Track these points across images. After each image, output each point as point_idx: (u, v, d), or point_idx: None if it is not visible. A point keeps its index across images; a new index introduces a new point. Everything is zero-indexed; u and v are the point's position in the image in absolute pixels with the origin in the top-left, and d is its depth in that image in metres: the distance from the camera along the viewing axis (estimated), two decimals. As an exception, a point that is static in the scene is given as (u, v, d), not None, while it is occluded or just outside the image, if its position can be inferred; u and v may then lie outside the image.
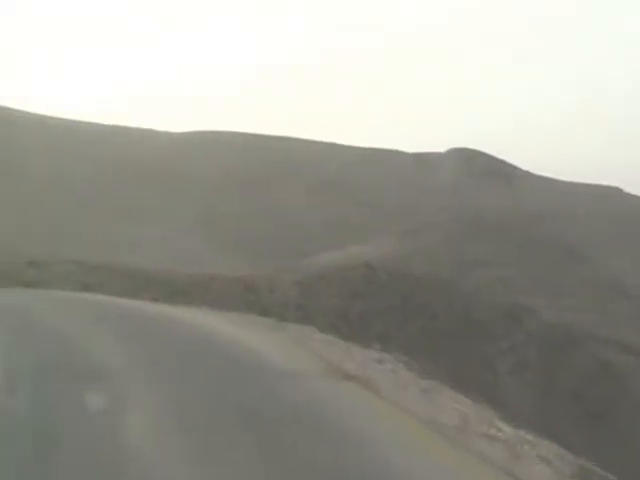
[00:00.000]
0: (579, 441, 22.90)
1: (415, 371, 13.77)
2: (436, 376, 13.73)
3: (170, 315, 18.90)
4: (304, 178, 65.98)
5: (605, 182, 77.38)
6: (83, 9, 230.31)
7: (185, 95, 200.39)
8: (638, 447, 26.91)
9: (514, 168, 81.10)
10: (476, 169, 77.34)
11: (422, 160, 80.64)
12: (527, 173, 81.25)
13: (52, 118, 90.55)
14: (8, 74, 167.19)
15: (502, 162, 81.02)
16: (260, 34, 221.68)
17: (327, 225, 54.25)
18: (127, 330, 15.58)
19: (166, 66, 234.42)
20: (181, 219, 54.62)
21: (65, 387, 10.50)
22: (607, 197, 71.55)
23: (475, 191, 70.09)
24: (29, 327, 16.07)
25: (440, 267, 42.19)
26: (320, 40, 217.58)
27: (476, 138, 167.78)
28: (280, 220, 55.18)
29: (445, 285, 37.08)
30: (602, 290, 42.07)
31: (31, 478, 7.28)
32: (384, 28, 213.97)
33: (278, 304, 24.93)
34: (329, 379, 12.17)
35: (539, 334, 34.45)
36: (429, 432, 9.87)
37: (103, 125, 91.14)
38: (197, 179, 64.82)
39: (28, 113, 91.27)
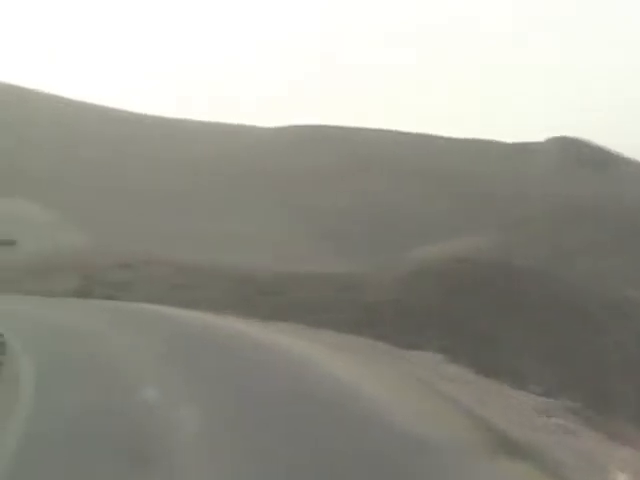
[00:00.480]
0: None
1: (600, 429, 9.65)
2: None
3: (254, 340, 16.73)
4: (399, 170, 64.80)
5: None
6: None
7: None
8: None
9: (615, 155, 78.08)
10: (576, 157, 74.76)
11: (520, 149, 78.44)
12: (629, 160, 78.19)
13: (141, 115, 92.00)
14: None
15: (603, 150, 78.05)
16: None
17: (424, 218, 53.10)
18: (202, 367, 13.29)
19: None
20: (274, 215, 54.29)
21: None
22: None
23: (575, 180, 67.69)
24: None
25: (542, 258, 40.77)
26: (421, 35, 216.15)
27: (574, 126, 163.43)
28: (375, 214, 54.26)
29: (549, 277, 35.59)
30: None
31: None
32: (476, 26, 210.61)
33: (376, 303, 24.02)
34: (489, 457, 7.77)
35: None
36: None
37: (193, 121, 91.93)
38: (289, 174, 64.42)
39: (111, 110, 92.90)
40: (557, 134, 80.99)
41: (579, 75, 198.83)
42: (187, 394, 10.81)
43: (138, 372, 12.71)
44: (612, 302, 35.18)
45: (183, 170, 65.61)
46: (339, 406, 9.86)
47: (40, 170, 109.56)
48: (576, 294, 34.46)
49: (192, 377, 12.22)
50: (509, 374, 14.51)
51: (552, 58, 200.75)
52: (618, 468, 7.43)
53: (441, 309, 24.86)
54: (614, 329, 33.41)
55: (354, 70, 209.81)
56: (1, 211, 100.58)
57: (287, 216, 54.93)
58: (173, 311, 23.12)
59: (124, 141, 76.87)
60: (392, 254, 37.12)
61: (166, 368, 13.03)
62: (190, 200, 58.54)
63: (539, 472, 7.36)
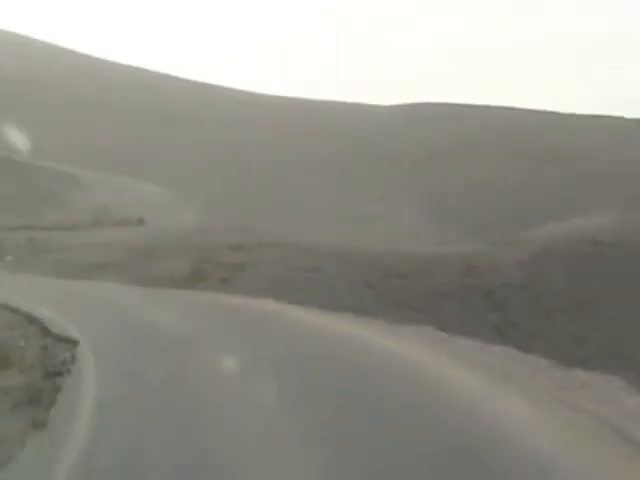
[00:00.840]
0: None
1: None
2: None
3: (370, 347, 15.98)
4: (522, 149, 63.10)
5: None
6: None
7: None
8: None
9: None
10: None
11: (643, 124, 75.29)
12: None
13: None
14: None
15: None
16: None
17: (547, 197, 51.44)
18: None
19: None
20: (398, 195, 53.72)
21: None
22: None
23: None
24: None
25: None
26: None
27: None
28: (496, 193, 53.03)
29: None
30: None
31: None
32: None
33: (502, 286, 23.18)
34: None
35: None
36: None
37: (311, 100, 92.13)
38: (406, 154, 63.71)
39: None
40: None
41: None
42: (295, 405, 10.62)
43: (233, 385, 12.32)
44: None
45: (302, 148, 65.66)
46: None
47: (166, 151, 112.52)
48: None
49: (302, 387, 11.84)
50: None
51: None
52: None
53: (566, 294, 23.78)
54: None
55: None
56: (130, 191, 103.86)
57: (409, 196, 54.17)
58: (279, 309, 22.44)
59: (247, 122, 77.67)
60: (513, 235, 35.92)
61: (272, 376, 12.61)
62: (309, 178, 58.56)
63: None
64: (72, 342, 16.39)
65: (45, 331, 18.55)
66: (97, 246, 43.96)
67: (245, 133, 77.73)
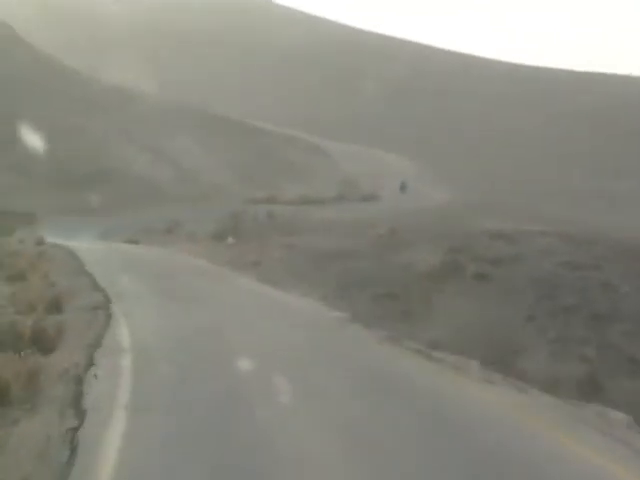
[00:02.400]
0: None
1: None
2: None
3: None
4: None
5: None
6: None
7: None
8: None
9: None
10: None
11: None
12: None
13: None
14: None
15: None
16: None
17: None
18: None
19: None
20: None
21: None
22: None
23: None
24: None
25: None
26: None
27: None
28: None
29: None
30: None
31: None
32: None
33: None
34: None
35: None
36: None
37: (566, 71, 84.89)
38: None
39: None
40: None
41: None
42: None
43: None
44: None
45: (569, 124, 59.40)
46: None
47: (411, 124, 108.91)
48: None
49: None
50: None
51: None
52: None
53: None
54: None
55: None
56: (378, 164, 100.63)
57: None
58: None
59: (494, 93, 72.24)
60: None
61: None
62: (581, 160, 52.33)
63: None
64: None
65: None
66: (337, 227, 40.16)
67: (493, 105, 72.31)
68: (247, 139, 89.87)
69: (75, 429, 9.14)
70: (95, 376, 11.61)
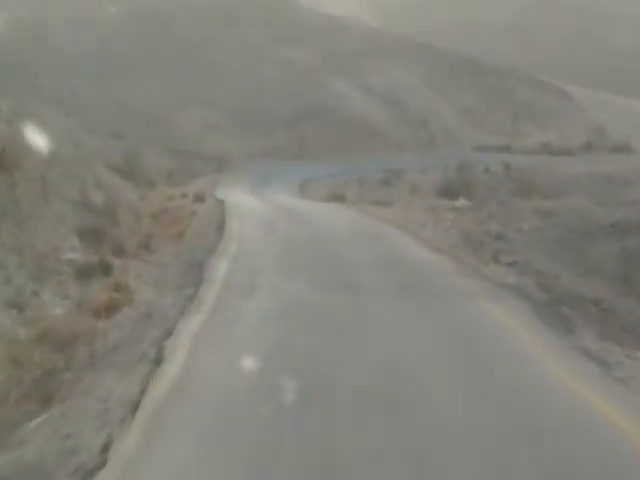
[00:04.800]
0: None
1: None
2: None
3: None
4: None
5: None
6: None
7: None
8: None
9: None
10: None
11: None
12: None
13: None
14: None
15: None
16: None
17: None
18: None
19: None
20: None
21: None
22: None
23: None
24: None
25: None
26: None
27: None
28: None
29: None
30: None
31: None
32: None
33: None
34: None
35: None
36: None
37: None
38: None
39: None
40: None
41: None
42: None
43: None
44: None
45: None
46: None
47: None
48: None
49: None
50: None
51: None
52: None
53: None
54: None
55: None
56: (629, 114, 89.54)
57: None
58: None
59: None
60: None
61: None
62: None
63: None
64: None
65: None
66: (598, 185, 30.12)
67: None
68: (479, 78, 79.37)
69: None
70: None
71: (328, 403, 7.10)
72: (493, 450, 6.28)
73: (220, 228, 18.24)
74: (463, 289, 12.10)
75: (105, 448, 6.30)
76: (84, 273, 10.95)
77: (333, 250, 15.97)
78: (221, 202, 25.35)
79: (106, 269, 11.40)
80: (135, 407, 6.96)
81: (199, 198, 25.28)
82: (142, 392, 7.17)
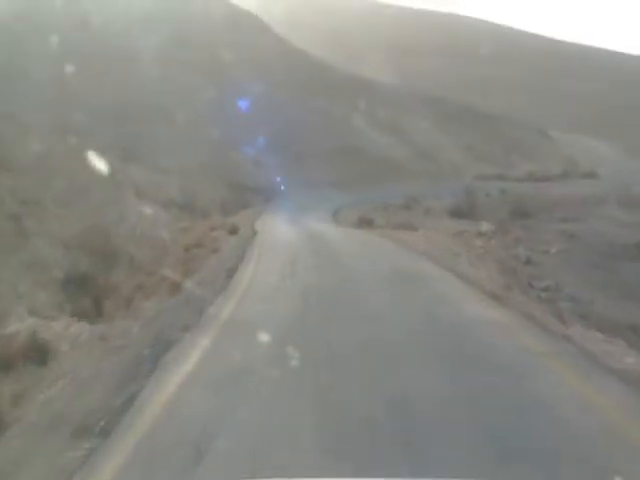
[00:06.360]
0: None
1: None
2: None
3: None
4: None
5: None
6: None
7: None
8: None
9: None
10: None
11: None
12: None
13: None
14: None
15: None
16: None
17: None
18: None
19: None
20: None
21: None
22: None
23: None
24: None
25: None
26: None
27: None
28: None
29: None
30: None
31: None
32: None
33: None
34: None
35: None
36: None
37: None
38: None
39: None
40: None
41: None
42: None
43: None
44: None
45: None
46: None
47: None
48: None
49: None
50: None
51: None
52: None
53: None
54: None
55: None
56: (589, 148, 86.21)
57: None
58: None
59: None
60: None
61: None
62: None
63: None
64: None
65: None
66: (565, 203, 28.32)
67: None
68: (479, 123, 74.37)
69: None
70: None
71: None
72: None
73: (233, 270, 11.88)
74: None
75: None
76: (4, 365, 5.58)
77: (364, 307, 8.86)
78: (254, 233, 20.04)
79: (43, 354, 5.99)
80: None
81: (234, 230, 19.73)
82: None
